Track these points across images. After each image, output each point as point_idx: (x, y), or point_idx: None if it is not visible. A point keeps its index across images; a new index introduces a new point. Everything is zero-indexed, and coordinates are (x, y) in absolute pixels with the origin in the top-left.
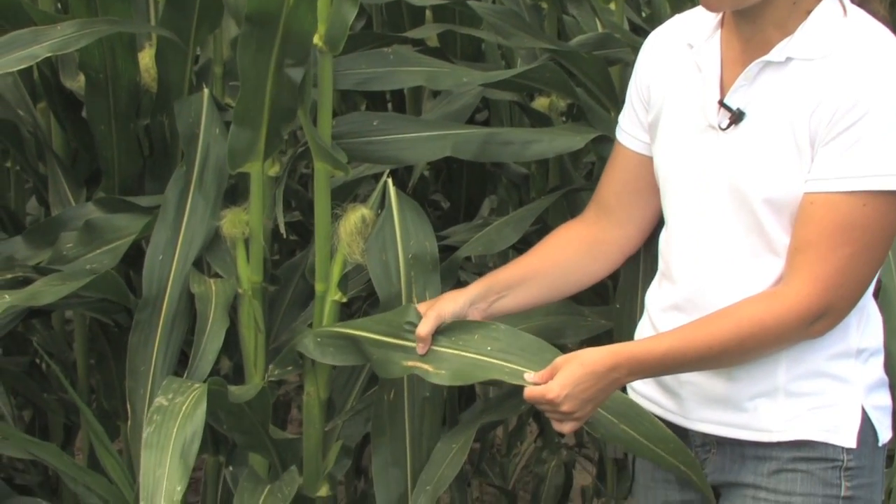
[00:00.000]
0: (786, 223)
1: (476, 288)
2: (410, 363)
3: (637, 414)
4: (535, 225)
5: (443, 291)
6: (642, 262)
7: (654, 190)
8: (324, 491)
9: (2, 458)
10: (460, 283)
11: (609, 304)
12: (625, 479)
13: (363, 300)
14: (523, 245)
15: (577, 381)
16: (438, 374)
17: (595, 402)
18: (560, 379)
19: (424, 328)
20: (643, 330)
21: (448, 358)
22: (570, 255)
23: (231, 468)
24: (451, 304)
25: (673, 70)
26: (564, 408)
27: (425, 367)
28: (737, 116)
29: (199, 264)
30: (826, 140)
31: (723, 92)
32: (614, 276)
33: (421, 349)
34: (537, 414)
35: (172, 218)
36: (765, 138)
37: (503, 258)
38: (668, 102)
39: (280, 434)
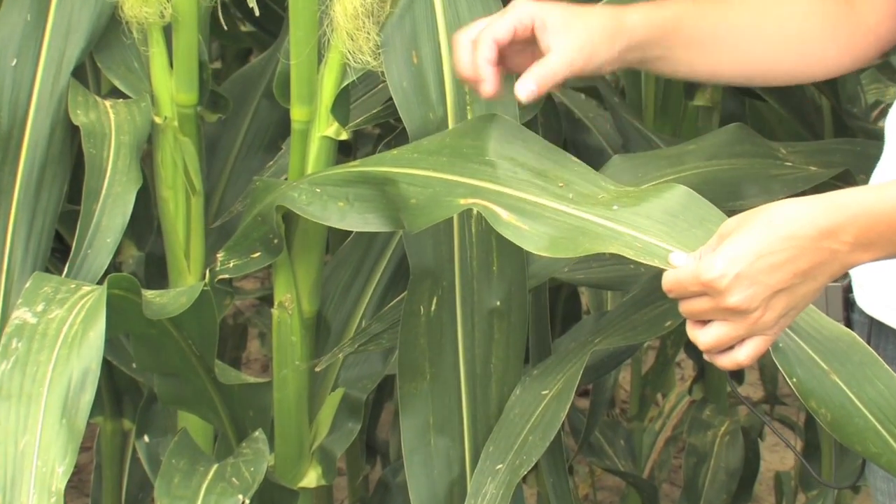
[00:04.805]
0: None
1: (607, 13)
2: (470, 199)
3: (863, 360)
4: None
5: None
6: None
7: None
8: (311, 478)
9: None
10: (552, 106)
11: (825, 136)
12: (853, 457)
13: (377, 139)
14: None
15: (761, 252)
16: (519, 228)
17: (793, 299)
18: (729, 248)
19: (493, 33)
20: (885, 172)
21: (544, 214)
22: (800, 16)
23: (147, 438)
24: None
25: None
26: (734, 300)
27: (494, 207)
28: None
29: (82, 74)
30: None
31: None
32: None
33: (487, 87)
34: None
35: None
36: None
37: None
38: None
39: (234, 376)
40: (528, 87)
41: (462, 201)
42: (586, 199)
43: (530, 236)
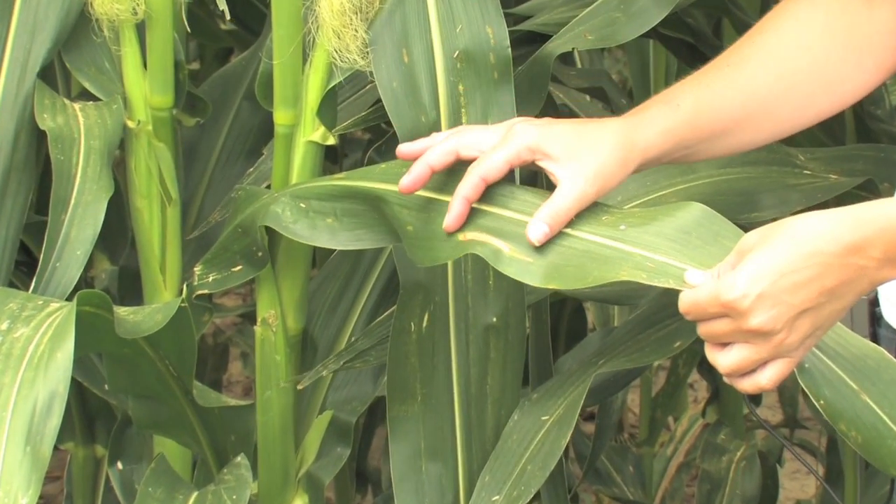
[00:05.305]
0: None
1: (617, 133)
2: (469, 236)
3: (895, 378)
4: None
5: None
6: None
7: None
8: None
9: None
10: (553, 108)
11: (846, 140)
12: (879, 483)
13: (366, 144)
14: (675, 31)
15: (784, 270)
16: (522, 262)
17: (819, 319)
18: (751, 266)
19: (483, 171)
20: None
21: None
22: (822, 58)
23: (120, 465)
24: (545, 131)
25: None
26: (757, 322)
27: (495, 243)
28: None
29: (50, 76)
30: None
31: None
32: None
33: (451, 220)
34: (707, 363)
35: None
36: None
37: (640, 67)
38: None
39: (214, 398)
40: (540, 230)
41: (462, 238)
42: (590, 220)
43: (536, 270)
